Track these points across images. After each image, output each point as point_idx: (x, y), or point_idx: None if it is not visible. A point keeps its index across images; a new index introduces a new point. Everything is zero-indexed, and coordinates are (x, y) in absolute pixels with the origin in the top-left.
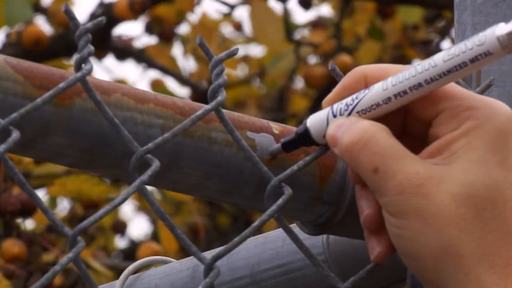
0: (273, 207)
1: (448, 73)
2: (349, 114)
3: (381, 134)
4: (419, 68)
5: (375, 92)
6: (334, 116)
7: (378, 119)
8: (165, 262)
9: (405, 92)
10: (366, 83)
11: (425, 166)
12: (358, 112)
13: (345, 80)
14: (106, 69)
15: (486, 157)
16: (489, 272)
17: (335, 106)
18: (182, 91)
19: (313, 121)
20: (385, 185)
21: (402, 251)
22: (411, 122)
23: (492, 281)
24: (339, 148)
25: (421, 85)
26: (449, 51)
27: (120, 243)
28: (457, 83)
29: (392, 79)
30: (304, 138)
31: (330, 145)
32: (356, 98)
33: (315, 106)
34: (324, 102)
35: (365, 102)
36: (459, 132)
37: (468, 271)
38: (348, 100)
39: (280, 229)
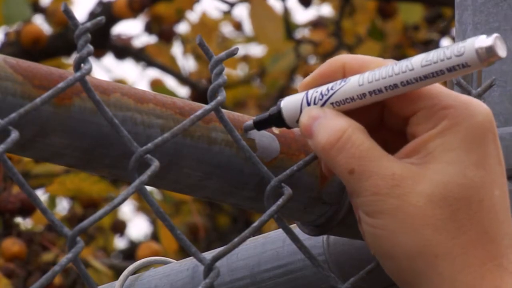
0: (273, 208)
1: (424, 79)
2: (323, 104)
3: (358, 135)
4: (396, 69)
5: (351, 86)
6: (308, 103)
7: (353, 111)
8: (165, 263)
9: (380, 91)
10: (344, 72)
11: (401, 167)
12: (332, 103)
13: (323, 67)
14: (105, 69)
15: (462, 157)
16: (463, 272)
17: (310, 93)
18: (181, 91)
19: (287, 104)
20: (361, 186)
21: (378, 251)
22: (389, 116)
23: (467, 282)
24: (314, 144)
25: (396, 86)
26: (428, 56)
27: (120, 243)
28: (459, 82)
29: (369, 75)
30: (277, 120)
31: (303, 135)
32: (332, 89)
33: None
34: (299, 85)
35: (340, 94)
36: (435, 131)
37: (443, 271)
38: (324, 89)
39: (280, 230)
